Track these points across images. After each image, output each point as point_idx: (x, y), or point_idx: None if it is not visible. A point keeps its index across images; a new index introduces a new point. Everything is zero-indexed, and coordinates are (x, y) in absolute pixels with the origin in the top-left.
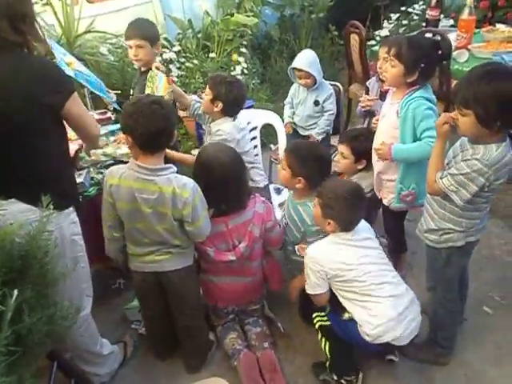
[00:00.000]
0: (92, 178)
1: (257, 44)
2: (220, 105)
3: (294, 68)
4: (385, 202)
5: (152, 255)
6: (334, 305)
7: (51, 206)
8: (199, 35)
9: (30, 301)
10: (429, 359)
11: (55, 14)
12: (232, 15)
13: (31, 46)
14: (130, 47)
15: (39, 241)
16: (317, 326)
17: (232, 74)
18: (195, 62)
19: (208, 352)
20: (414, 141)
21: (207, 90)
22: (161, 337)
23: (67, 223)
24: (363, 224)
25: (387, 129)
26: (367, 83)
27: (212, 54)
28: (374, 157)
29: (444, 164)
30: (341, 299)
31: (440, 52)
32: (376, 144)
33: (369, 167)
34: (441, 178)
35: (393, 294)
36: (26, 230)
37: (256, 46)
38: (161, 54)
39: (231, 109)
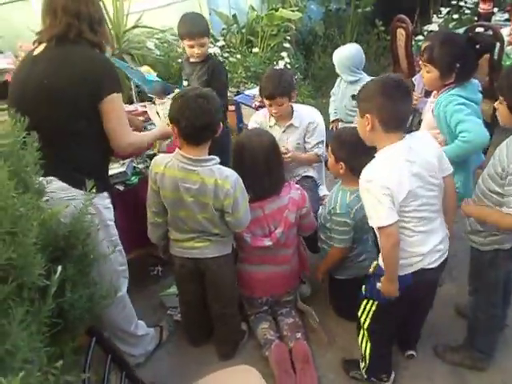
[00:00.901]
0: (134, 168)
1: (301, 39)
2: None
3: None
4: None
5: (192, 242)
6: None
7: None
8: (243, 30)
9: (72, 278)
10: (466, 363)
11: (105, 8)
12: (277, 10)
13: (103, 47)
14: (191, 46)
15: (82, 223)
16: (365, 325)
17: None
18: (238, 56)
19: (240, 341)
20: (455, 138)
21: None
22: (196, 323)
23: (102, 207)
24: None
25: (425, 128)
26: (413, 79)
27: (255, 49)
28: None
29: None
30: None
31: (478, 46)
32: None
33: None
34: (509, 207)
35: (425, 229)
36: (69, 210)
37: (300, 42)
38: None
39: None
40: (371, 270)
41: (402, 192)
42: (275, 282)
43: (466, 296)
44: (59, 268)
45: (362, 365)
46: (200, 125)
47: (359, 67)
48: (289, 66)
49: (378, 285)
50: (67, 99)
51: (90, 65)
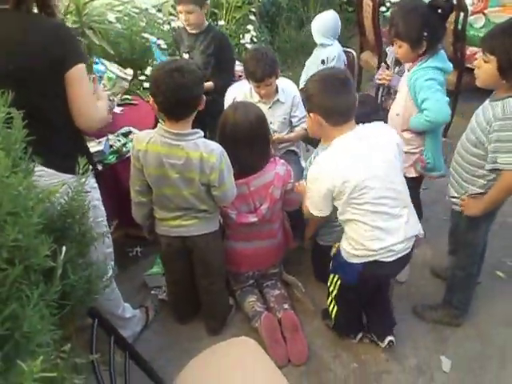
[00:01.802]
0: (111, 146)
1: (264, 11)
2: None
3: None
4: None
5: (179, 220)
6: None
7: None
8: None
9: (72, 259)
10: (443, 320)
11: None
12: None
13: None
14: (180, 12)
15: (78, 201)
16: (332, 294)
17: (241, 42)
18: None
19: (228, 315)
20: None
21: None
22: (183, 300)
23: (89, 187)
24: (376, 125)
25: (400, 100)
26: (387, 49)
27: (221, 22)
28: (391, 127)
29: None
30: (340, 215)
31: (440, 10)
32: (391, 115)
33: None
34: (499, 163)
35: (382, 226)
36: (62, 190)
37: (264, 14)
38: (169, 22)
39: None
40: (333, 251)
41: (348, 186)
42: (261, 257)
43: (440, 258)
44: (64, 248)
45: (331, 323)
46: (176, 100)
47: (334, 35)
48: (255, 39)
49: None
50: (32, 76)
51: (54, 34)
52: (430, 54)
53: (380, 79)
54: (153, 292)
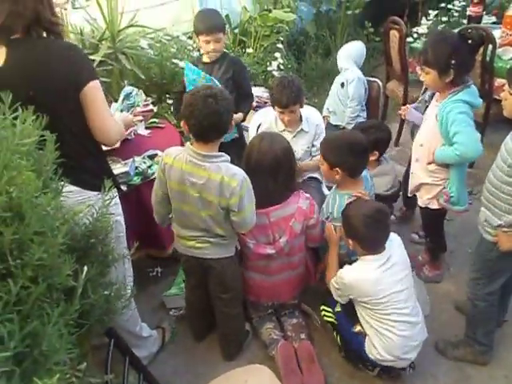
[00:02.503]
0: (136, 168)
1: (292, 40)
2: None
3: None
4: (420, 202)
5: (194, 241)
6: (348, 312)
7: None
8: (236, 31)
9: (93, 279)
10: (467, 358)
11: (100, 8)
12: (270, 11)
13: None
14: (207, 42)
15: (102, 222)
16: (324, 318)
17: (268, 69)
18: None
19: (244, 341)
20: (451, 144)
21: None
22: (200, 315)
23: (112, 203)
24: (395, 242)
25: (426, 131)
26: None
27: (249, 50)
28: (414, 157)
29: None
30: (360, 315)
31: (470, 41)
32: (415, 145)
33: (384, 162)
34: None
35: (407, 334)
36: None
37: (291, 42)
38: (198, 49)
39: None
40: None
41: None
42: (281, 288)
43: (463, 292)
44: (85, 268)
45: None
46: (208, 124)
47: (356, 61)
48: (281, 67)
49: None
50: (53, 99)
51: (67, 55)
52: (462, 88)
53: (401, 113)
54: (171, 313)
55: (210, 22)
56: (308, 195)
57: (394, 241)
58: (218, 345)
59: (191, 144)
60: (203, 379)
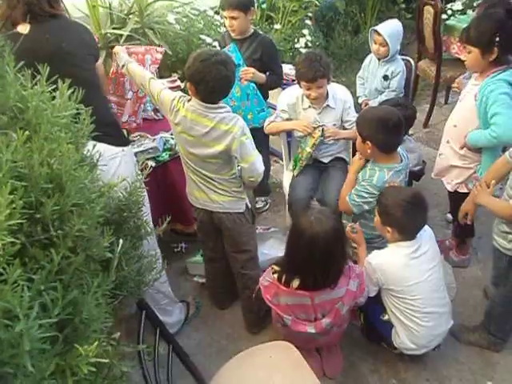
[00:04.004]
0: (165, 143)
1: (320, 16)
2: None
3: (374, 30)
4: (448, 187)
5: (202, 191)
6: (378, 300)
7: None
8: (263, 6)
9: (126, 252)
10: (480, 343)
11: None
12: None
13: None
14: (225, 18)
15: (135, 196)
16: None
17: (296, 46)
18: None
19: (264, 310)
20: (487, 126)
21: None
22: (220, 283)
23: (133, 162)
24: (427, 232)
25: (462, 112)
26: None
27: (277, 26)
28: (445, 138)
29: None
30: (387, 304)
31: None
32: (448, 126)
33: (407, 141)
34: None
35: (432, 325)
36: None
37: (320, 18)
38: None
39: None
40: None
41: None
42: (316, 343)
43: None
44: (121, 241)
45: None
46: (219, 90)
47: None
48: (309, 44)
49: None
50: (80, 58)
51: (85, 31)
52: (506, 68)
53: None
54: (195, 279)
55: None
56: (359, 271)
57: (426, 231)
58: (241, 319)
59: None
60: (226, 353)
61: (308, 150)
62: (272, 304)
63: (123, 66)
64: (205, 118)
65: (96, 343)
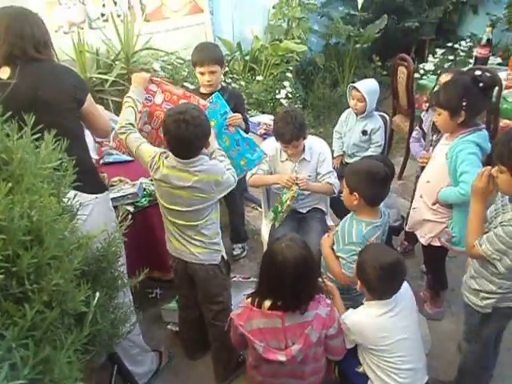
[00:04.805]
0: (144, 189)
1: (301, 70)
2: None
3: (353, 87)
4: (422, 240)
5: (179, 243)
6: (352, 354)
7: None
8: (247, 58)
9: (102, 304)
10: None
11: (116, 30)
12: (281, 41)
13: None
14: (202, 74)
15: (114, 246)
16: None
17: (277, 97)
18: (242, 83)
19: (236, 362)
20: (457, 184)
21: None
22: (193, 331)
23: (108, 209)
24: (403, 285)
25: (434, 169)
26: (422, 115)
27: (259, 77)
28: (418, 193)
29: (483, 227)
30: (363, 358)
31: (481, 84)
32: (421, 181)
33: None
34: (480, 245)
35: (409, 382)
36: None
37: (300, 72)
38: None
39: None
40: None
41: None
42: None
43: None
44: (97, 294)
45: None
46: (180, 147)
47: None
48: (289, 95)
49: None
50: (58, 107)
51: (68, 74)
52: (474, 130)
53: (421, 162)
54: (169, 327)
55: (205, 54)
56: (329, 302)
57: (402, 285)
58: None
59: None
60: None
61: (288, 203)
62: (245, 330)
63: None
64: (185, 172)
65: None
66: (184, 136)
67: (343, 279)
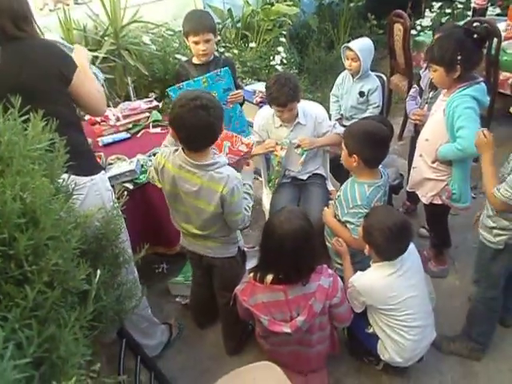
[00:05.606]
0: (142, 166)
1: (295, 34)
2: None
3: (346, 47)
4: (423, 199)
5: (194, 238)
6: (361, 315)
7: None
8: (238, 25)
9: (105, 281)
10: (461, 353)
11: (103, 4)
12: (272, 4)
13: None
14: (196, 43)
15: (113, 224)
16: None
17: (271, 63)
18: (235, 51)
19: (243, 335)
20: (455, 139)
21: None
22: (203, 306)
23: (105, 189)
24: (410, 250)
25: (433, 126)
26: (421, 72)
27: (252, 44)
28: (418, 152)
29: (497, 174)
30: (373, 318)
31: (476, 36)
32: (420, 140)
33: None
34: (498, 190)
35: (418, 338)
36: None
37: (294, 36)
38: None
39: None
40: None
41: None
42: (299, 359)
43: (469, 287)
44: (98, 272)
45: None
46: (200, 137)
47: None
48: (284, 61)
49: None
50: (46, 91)
51: (52, 51)
52: (471, 83)
53: (414, 119)
54: (177, 299)
55: (197, 22)
56: (332, 272)
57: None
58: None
59: (182, 149)
60: (209, 375)
61: (276, 168)
62: (249, 305)
63: None
64: (193, 175)
65: (74, 379)
66: (207, 122)
67: (356, 243)
